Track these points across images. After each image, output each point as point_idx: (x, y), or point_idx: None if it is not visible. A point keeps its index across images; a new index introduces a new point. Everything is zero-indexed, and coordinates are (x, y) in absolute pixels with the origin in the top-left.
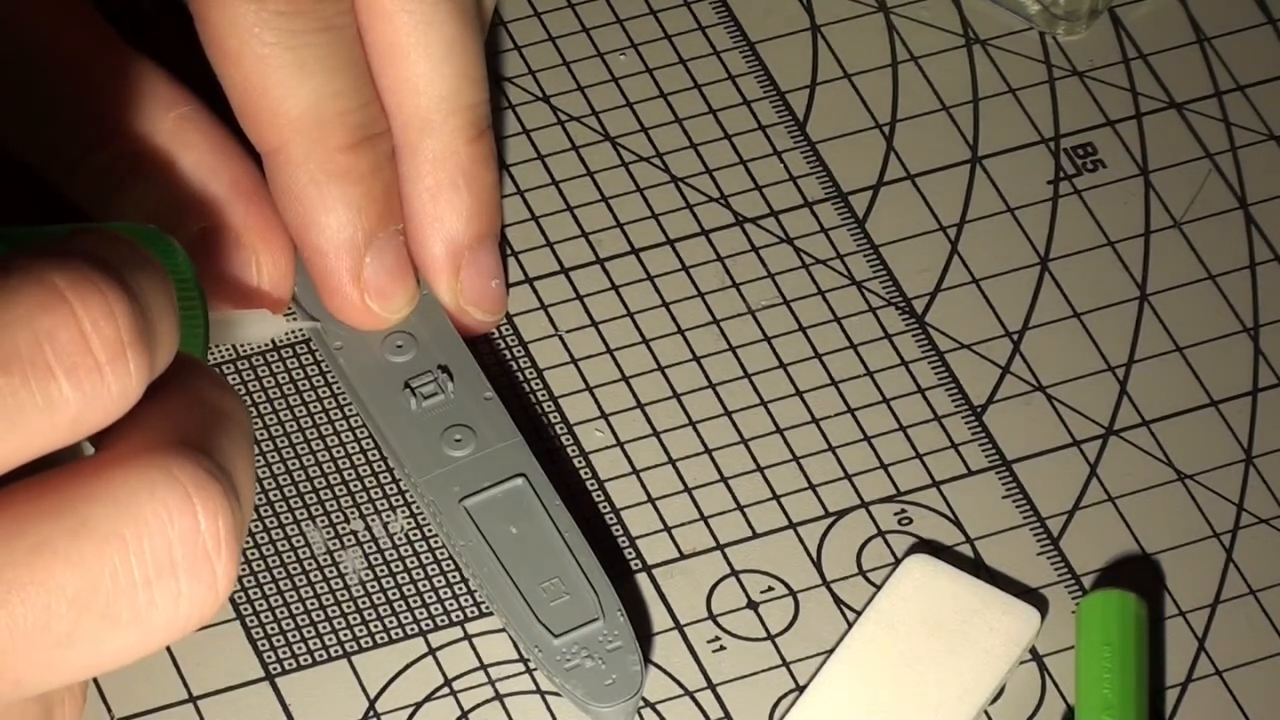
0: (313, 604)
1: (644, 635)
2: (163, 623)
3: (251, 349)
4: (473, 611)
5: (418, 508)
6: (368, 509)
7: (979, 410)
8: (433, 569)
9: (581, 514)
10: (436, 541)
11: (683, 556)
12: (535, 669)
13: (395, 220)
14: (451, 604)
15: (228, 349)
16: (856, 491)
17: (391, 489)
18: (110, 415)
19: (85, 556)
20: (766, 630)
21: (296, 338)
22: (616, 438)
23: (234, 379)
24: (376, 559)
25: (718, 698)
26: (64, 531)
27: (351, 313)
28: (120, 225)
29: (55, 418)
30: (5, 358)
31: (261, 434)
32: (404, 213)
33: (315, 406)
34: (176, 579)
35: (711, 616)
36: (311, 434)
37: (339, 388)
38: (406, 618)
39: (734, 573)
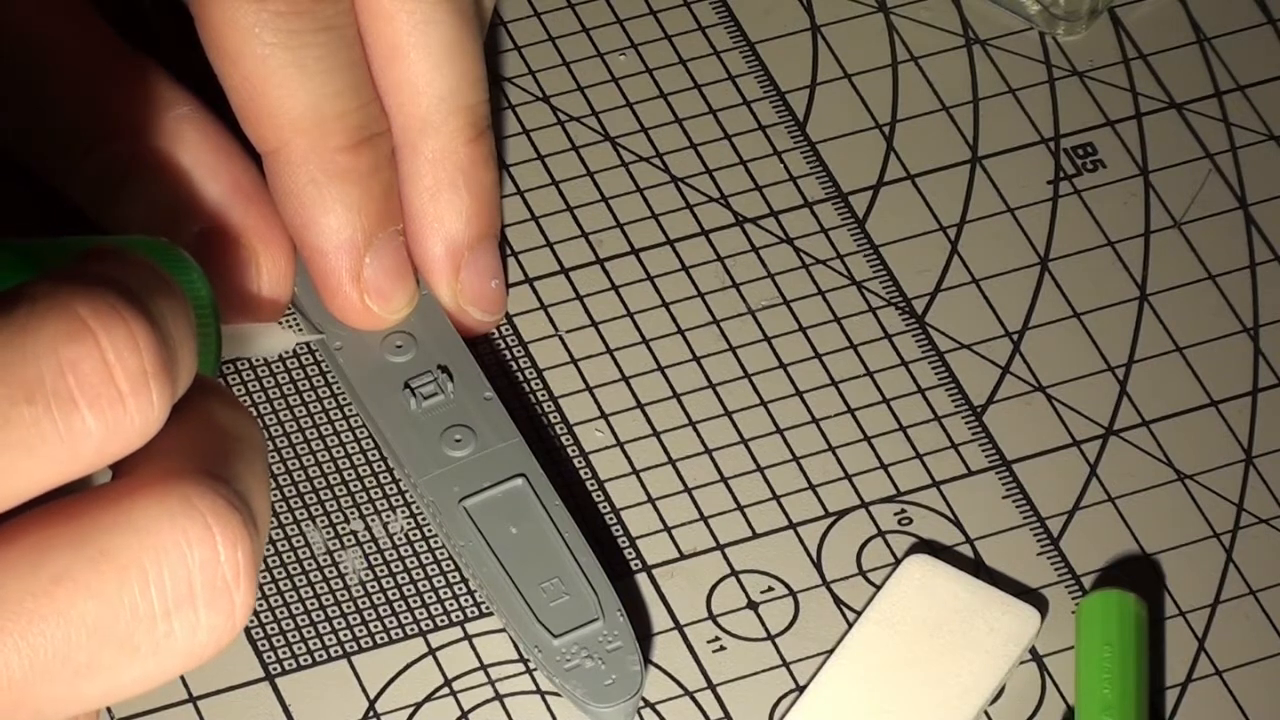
0: (313, 604)
1: (644, 635)
2: (181, 652)
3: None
4: (473, 611)
5: (418, 508)
6: (368, 509)
7: (979, 410)
8: (433, 569)
9: (581, 514)
10: (436, 541)
11: (683, 556)
12: (535, 669)
13: (395, 220)
14: (451, 604)
15: (226, 350)
16: (856, 491)
17: (391, 489)
18: (132, 445)
19: (106, 587)
20: (766, 630)
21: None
22: (616, 438)
23: (234, 380)
24: (376, 559)
25: (718, 698)
26: (84, 561)
27: (351, 313)
28: (137, 240)
29: (78, 448)
30: (29, 388)
31: None
32: (404, 213)
33: (315, 408)
34: (195, 609)
35: (711, 616)
36: (311, 435)
37: (339, 388)
38: (406, 618)
39: (734, 573)
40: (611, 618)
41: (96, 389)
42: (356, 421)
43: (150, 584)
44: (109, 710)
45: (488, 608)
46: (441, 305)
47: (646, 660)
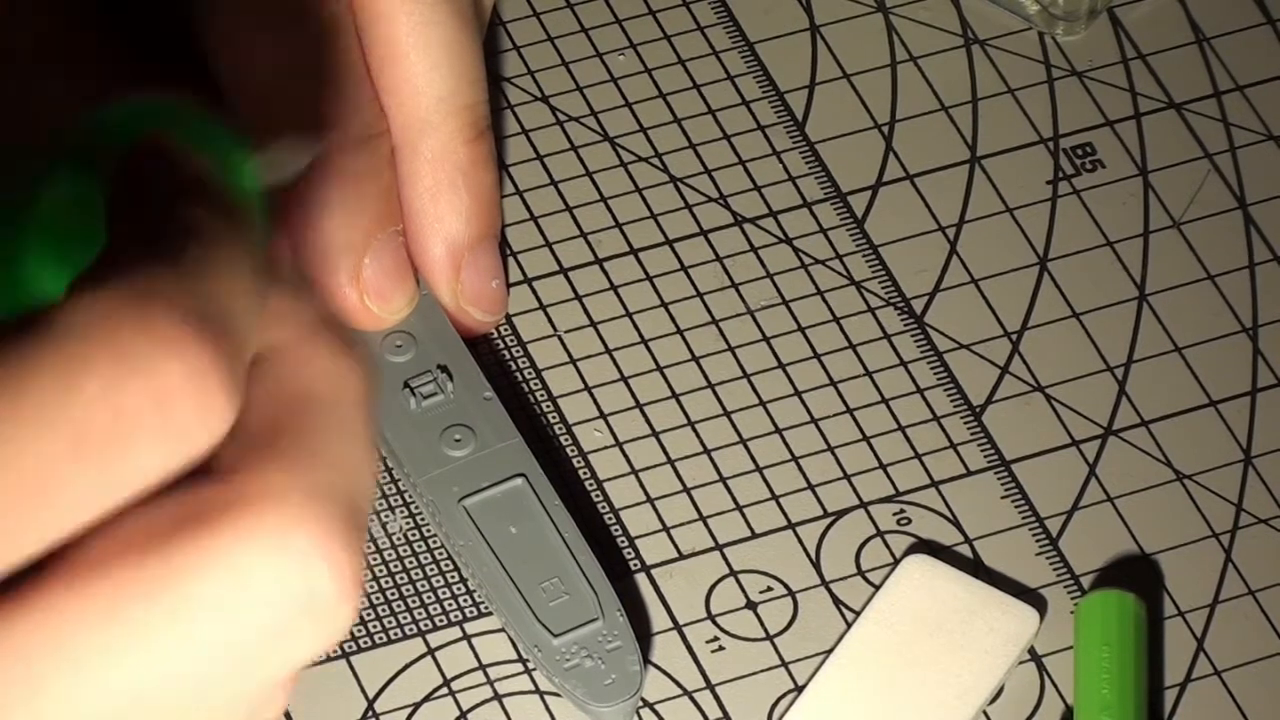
0: None
1: (643, 635)
2: (274, 678)
3: None
4: (472, 611)
5: (417, 508)
6: None
7: (978, 410)
8: (432, 569)
9: (581, 514)
10: (436, 541)
11: (682, 556)
12: (535, 669)
13: (394, 221)
14: (451, 604)
15: None
16: (855, 491)
17: (391, 489)
18: (197, 460)
19: (187, 637)
20: (765, 630)
21: None
22: (616, 438)
23: None
24: (376, 559)
25: (716, 698)
26: (163, 612)
27: (351, 313)
28: (154, 105)
29: (129, 483)
30: (77, 436)
31: None
32: (403, 213)
33: None
34: (293, 640)
35: (710, 616)
36: None
37: None
38: (405, 618)
39: (733, 573)
40: (611, 617)
41: (154, 427)
42: None
43: (238, 630)
44: None
45: (487, 608)
46: (441, 305)
47: (646, 660)
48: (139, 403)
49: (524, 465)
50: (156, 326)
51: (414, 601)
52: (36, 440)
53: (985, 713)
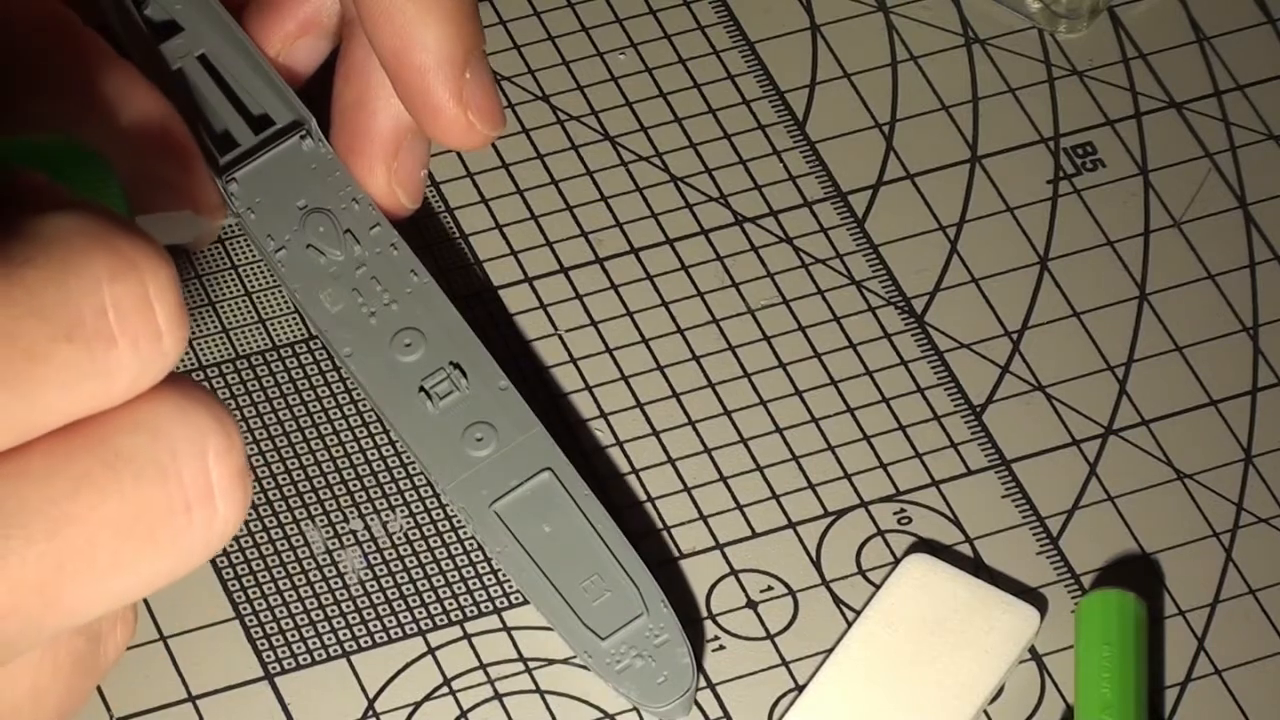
0: (312, 604)
1: None
2: (200, 543)
3: (251, 348)
4: (472, 611)
5: (418, 507)
6: (367, 509)
7: (978, 410)
8: (432, 569)
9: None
10: (436, 541)
11: (682, 556)
12: (580, 666)
13: (482, 38)
14: (451, 603)
15: (226, 349)
16: (856, 491)
17: (391, 488)
18: (161, 376)
19: (124, 487)
20: (766, 630)
21: (268, 283)
22: (616, 437)
23: (234, 379)
24: (376, 558)
25: (717, 697)
26: (101, 464)
27: (456, 132)
28: (40, 139)
29: (112, 384)
30: (70, 325)
31: (261, 434)
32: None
33: (315, 406)
34: (214, 501)
35: (711, 616)
36: (311, 434)
37: (339, 387)
38: (405, 617)
39: (733, 572)
40: (656, 610)
41: (137, 327)
42: (356, 421)
43: (168, 480)
44: (108, 709)
45: (488, 607)
46: (377, 183)
47: (697, 651)
48: (126, 300)
49: (549, 457)
50: (138, 234)
51: (414, 601)
52: (35, 321)
53: (986, 712)
